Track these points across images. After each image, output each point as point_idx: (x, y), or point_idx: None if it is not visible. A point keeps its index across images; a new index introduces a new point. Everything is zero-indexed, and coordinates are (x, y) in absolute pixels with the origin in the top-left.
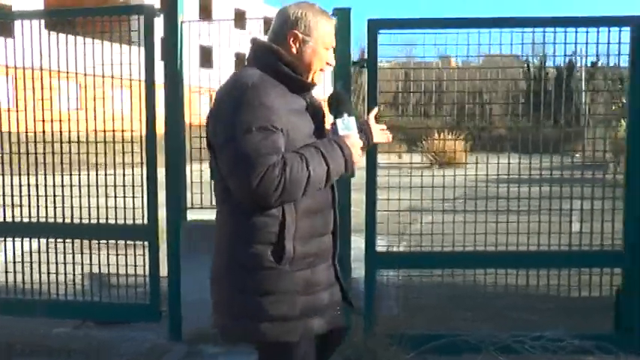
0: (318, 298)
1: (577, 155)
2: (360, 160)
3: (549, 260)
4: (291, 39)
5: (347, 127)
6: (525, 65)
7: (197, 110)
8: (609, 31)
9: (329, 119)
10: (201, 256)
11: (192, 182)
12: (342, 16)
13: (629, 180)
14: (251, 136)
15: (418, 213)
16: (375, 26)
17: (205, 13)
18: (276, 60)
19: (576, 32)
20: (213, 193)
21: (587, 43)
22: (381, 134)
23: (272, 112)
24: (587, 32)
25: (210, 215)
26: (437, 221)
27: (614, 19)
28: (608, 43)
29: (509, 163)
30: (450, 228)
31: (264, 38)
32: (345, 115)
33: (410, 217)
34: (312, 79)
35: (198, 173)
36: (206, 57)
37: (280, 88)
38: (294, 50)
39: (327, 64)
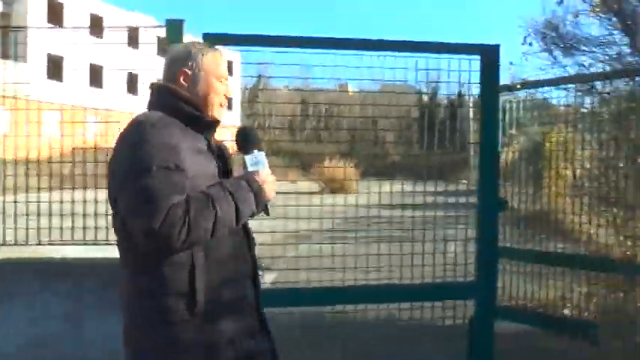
0: (238, 348)
1: (464, 182)
2: (274, 196)
3: (403, 294)
4: (182, 77)
5: (256, 163)
6: (418, 93)
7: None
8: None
9: (238, 158)
10: (16, 301)
11: (4, 215)
12: (173, 29)
13: (480, 210)
14: (152, 176)
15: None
16: (210, 41)
17: (55, 18)
18: (175, 99)
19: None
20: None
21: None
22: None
23: (174, 151)
24: (439, 59)
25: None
26: (311, 252)
27: (463, 46)
28: (460, 71)
29: (390, 192)
30: (317, 261)
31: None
32: (255, 151)
33: (284, 249)
34: (213, 116)
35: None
36: (56, 68)
37: (181, 127)
38: (187, 88)
39: (225, 96)
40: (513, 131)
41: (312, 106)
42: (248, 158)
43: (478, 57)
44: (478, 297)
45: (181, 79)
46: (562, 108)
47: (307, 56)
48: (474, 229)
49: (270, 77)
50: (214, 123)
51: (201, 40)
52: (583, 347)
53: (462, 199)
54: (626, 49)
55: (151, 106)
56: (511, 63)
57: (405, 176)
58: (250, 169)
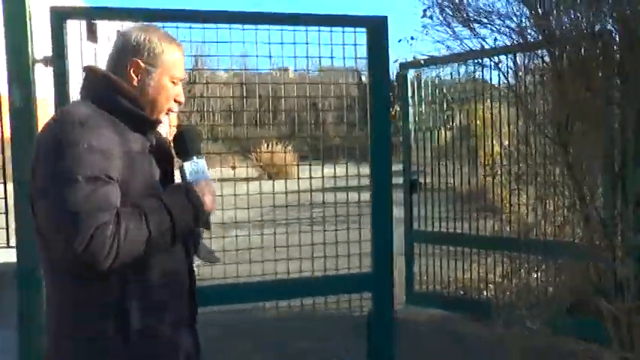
0: None
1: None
2: (214, 208)
3: (302, 288)
4: (132, 69)
5: (196, 171)
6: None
7: None
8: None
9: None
10: None
11: None
12: None
13: (374, 198)
14: (76, 188)
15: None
16: (60, 15)
17: None
18: (113, 92)
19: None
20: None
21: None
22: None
23: (105, 158)
24: (319, 32)
25: None
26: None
27: (347, 19)
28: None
29: (323, 176)
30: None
31: (101, 67)
32: (194, 157)
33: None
34: (157, 117)
35: None
36: None
37: (117, 126)
38: (135, 82)
39: (176, 101)
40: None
41: (252, 88)
42: (187, 166)
43: (364, 30)
44: (374, 290)
45: (131, 71)
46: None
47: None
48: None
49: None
50: (155, 123)
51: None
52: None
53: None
54: (526, 22)
55: (83, 95)
56: (412, 38)
57: (348, 159)
58: (189, 177)
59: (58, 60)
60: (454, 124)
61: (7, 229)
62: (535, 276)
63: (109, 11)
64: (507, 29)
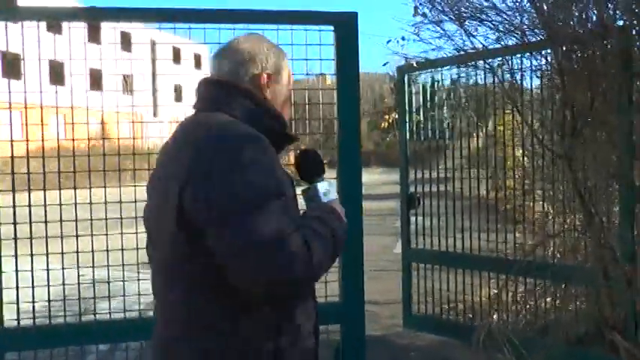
0: None
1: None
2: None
3: None
4: (263, 81)
5: (328, 191)
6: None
7: None
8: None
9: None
10: None
11: None
12: None
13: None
14: (271, 206)
15: None
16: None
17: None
18: (260, 109)
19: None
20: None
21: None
22: None
23: (281, 174)
24: (277, 31)
25: None
26: None
27: (312, 15)
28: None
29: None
30: None
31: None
32: (325, 179)
33: None
34: (293, 134)
35: None
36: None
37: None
38: (267, 95)
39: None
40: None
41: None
42: (321, 187)
43: (331, 28)
44: (343, 322)
45: (262, 83)
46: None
47: None
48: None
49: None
50: (295, 141)
51: None
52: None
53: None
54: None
55: (215, 107)
56: (403, 38)
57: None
58: (323, 198)
59: None
60: (455, 132)
61: None
62: (541, 303)
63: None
64: (507, 26)
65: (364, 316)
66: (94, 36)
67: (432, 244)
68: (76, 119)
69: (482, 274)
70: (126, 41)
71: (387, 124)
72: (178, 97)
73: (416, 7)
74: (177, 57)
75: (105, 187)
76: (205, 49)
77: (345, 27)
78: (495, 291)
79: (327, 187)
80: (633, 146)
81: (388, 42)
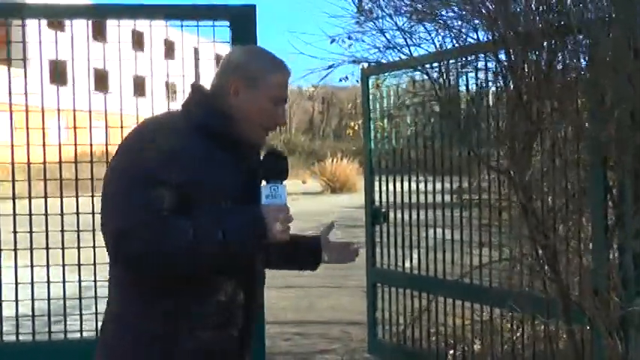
0: None
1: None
2: (285, 238)
3: None
4: (233, 86)
5: (273, 196)
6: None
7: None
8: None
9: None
10: None
11: None
12: None
13: None
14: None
15: None
16: None
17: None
18: (206, 107)
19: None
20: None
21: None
22: (340, 255)
23: (168, 162)
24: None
25: None
26: None
27: (205, 10)
28: None
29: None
30: None
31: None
32: (276, 181)
33: None
34: (254, 138)
35: None
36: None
37: (202, 138)
38: (233, 101)
39: (277, 122)
40: None
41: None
42: (265, 189)
43: (227, 24)
44: None
45: (231, 89)
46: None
47: None
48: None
49: None
50: (249, 146)
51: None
52: None
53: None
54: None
55: (184, 106)
56: (349, 37)
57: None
58: (264, 201)
59: None
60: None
61: None
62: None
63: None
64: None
65: (265, 346)
66: (138, 42)
67: (396, 265)
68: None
69: (449, 300)
70: (170, 47)
71: (351, 131)
72: None
73: (360, 2)
74: (219, 61)
75: None
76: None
77: (242, 22)
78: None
79: (273, 191)
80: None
81: (332, 42)
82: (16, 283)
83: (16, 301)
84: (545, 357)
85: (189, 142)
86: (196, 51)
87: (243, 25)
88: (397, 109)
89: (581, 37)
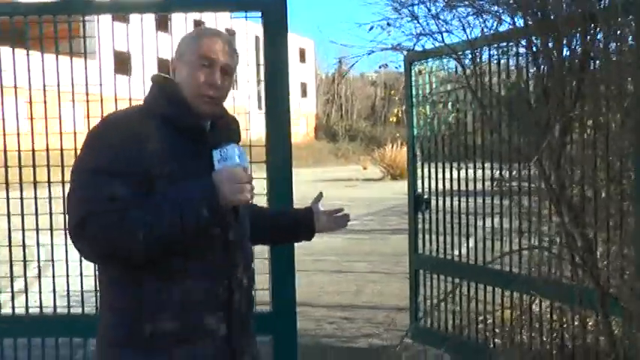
0: None
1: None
2: (241, 199)
3: None
4: (172, 68)
5: (225, 157)
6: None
7: None
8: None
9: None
10: None
11: None
12: None
13: None
14: (90, 179)
15: None
16: None
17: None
18: (158, 92)
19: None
20: None
21: None
22: (329, 222)
23: (118, 154)
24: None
25: None
26: None
27: (238, 2)
28: None
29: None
30: None
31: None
32: (225, 144)
33: None
34: (200, 112)
35: None
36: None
37: (158, 127)
38: (176, 78)
39: (209, 83)
40: None
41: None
42: (215, 153)
43: (259, 14)
44: (274, 334)
45: (172, 69)
46: None
47: None
48: None
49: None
50: (195, 123)
51: None
52: None
53: None
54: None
55: (145, 99)
56: (389, 24)
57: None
58: (217, 166)
59: None
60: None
61: None
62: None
63: None
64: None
65: (296, 327)
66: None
67: (437, 251)
68: None
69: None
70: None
71: (395, 118)
72: None
73: None
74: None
75: None
76: (311, 44)
77: (274, 12)
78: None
79: (224, 154)
80: None
81: (370, 29)
82: (67, 261)
83: (66, 275)
84: (583, 348)
85: (143, 132)
86: (257, 39)
87: (274, 15)
88: (440, 95)
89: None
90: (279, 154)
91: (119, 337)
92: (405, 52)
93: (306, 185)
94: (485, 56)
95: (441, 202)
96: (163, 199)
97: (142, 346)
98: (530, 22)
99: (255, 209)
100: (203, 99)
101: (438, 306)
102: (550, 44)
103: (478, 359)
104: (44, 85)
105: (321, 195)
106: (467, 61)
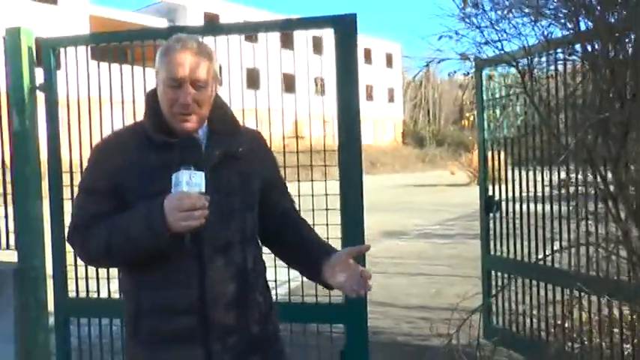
0: None
1: None
2: (183, 224)
3: None
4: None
5: (175, 183)
6: None
7: None
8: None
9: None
10: None
11: None
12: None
13: (342, 213)
14: (79, 195)
15: None
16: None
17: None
18: (145, 109)
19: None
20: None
21: None
22: (347, 283)
23: (101, 173)
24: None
25: None
26: None
27: (314, 20)
28: None
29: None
30: None
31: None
32: (183, 168)
33: None
34: (179, 128)
35: None
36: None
37: (131, 143)
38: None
39: (179, 103)
40: None
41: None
42: (173, 177)
43: (331, 30)
44: (348, 322)
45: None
46: None
47: None
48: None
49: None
50: (160, 138)
51: None
52: None
53: None
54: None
55: None
56: (457, 32)
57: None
58: (173, 190)
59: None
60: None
61: (7, 232)
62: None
63: None
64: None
65: (367, 317)
66: (286, 43)
67: (508, 252)
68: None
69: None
70: (317, 45)
71: (467, 122)
72: (369, 96)
73: None
74: (367, 57)
75: (298, 180)
76: (398, 48)
77: (345, 27)
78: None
79: (176, 179)
80: None
81: (439, 38)
82: None
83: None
84: None
85: (123, 148)
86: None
87: (345, 31)
88: (509, 99)
89: None
90: (349, 160)
91: (126, 331)
92: (472, 60)
93: (391, 191)
94: (542, 61)
95: (510, 204)
96: (126, 217)
97: (138, 340)
98: (584, 27)
99: (287, 219)
100: (176, 117)
101: (510, 307)
102: (603, 47)
103: None
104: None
105: (366, 247)
106: (523, 67)
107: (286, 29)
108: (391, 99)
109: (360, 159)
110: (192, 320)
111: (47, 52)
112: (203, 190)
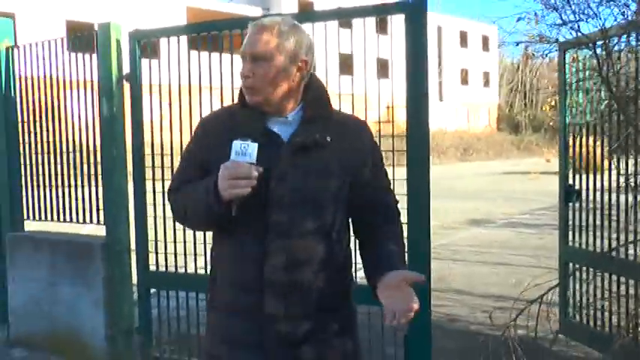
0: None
1: None
2: (228, 192)
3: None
4: None
5: (237, 152)
6: None
7: None
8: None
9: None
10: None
11: None
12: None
13: (408, 200)
14: (181, 163)
15: None
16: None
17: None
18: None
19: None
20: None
21: None
22: (395, 304)
23: (195, 147)
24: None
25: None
26: None
27: (384, 6)
28: None
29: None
30: None
31: None
32: (246, 139)
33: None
34: (249, 102)
35: None
36: None
37: (229, 123)
38: None
39: (242, 76)
40: None
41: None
42: (234, 145)
43: (402, 16)
44: None
45: None
46: None
47: None
48: None
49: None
50: (243, 114)
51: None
52: None
53: None
54: None
55: None
56: (535, 14)
57: None
58: (232, 158)
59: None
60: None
61: (98, 209)
62: None
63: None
64: None
65: (429, 302)
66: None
67: (587, 244)
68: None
69: None
70: (463, 38)
71: (547, 107)
72: (464, 81)
73: None
74: (464, 40)
75: (392, 166)
76: (494, 31)
77: (415, 13)
78: None
79: (242, 149)
80: None
81: (518, 20)
82: None
83: None
84: None
85: (218, 131)
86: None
87: (415, 17)
88: (592, 83)
89: None
90: (419, 150)
91: (207, 301)
92: (556, 41)
93: (482, 178)
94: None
95: (591, 195)
96: (197, 184)
97: (215, 310)
98: None
99: (373, 224)
100: (247, 92)
101: (588, 302)
102: None
103: None
104: None
105: (422, 280)
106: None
107: (360, 16)
108: (486, 83)
109: (427, 145)
110: (257, 297)
111: (133, 45)
112: (253, 160)
